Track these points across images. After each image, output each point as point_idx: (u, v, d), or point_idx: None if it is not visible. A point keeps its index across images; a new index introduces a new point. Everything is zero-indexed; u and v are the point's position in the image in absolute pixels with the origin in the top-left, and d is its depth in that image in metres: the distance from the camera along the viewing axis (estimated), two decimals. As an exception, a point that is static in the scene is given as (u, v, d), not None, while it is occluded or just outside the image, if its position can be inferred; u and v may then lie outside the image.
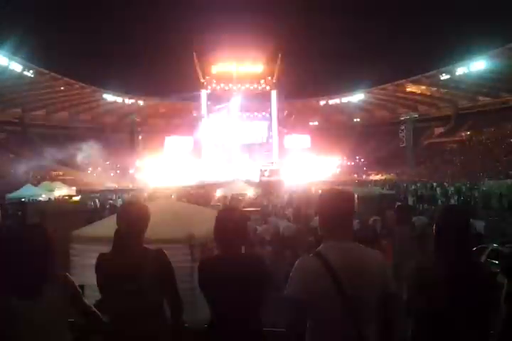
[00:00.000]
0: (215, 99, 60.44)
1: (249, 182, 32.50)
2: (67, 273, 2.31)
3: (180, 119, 69.23)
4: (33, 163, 48.50)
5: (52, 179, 39.58)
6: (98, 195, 31.91)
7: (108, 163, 57.18)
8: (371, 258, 2.08)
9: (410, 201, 23.84)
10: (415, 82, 58.56)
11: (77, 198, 27.30)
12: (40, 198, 26.50)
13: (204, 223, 5.31)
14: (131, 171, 53.35)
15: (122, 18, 71.05)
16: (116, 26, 71.57)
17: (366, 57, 68.60)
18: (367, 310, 2.01)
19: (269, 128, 61.06)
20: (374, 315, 2.04)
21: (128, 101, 65.22)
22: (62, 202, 21.53)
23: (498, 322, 2.21)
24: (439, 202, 23.91)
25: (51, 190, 30.33)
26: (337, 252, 2.04)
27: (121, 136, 64.50)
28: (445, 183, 34.41)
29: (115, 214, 2.74)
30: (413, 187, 33.00)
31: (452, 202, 23.61)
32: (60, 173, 48.34)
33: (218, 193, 25.97)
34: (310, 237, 8.80)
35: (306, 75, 61.93)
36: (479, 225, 11.19)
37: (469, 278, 2.12)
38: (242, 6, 67.27)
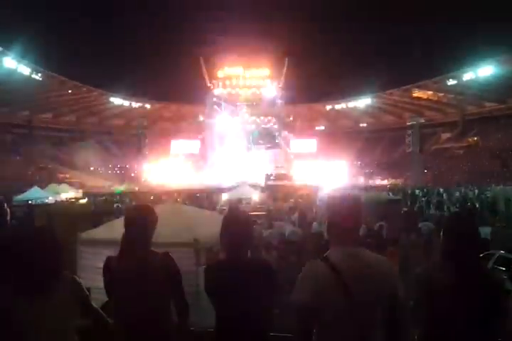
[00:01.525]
0: (221, 103, 60.56)
1: (255, 187, 32.49)
2: (74, 276, 2.33)
3: (187, 123, 69.49)
4: (40, 165, 48.81)
5: (59, 181, 39.72)
6: (104, 197, 31.98)
7: (113, 165, 57.45)
8: (378, 263, 2.08)
9: (417, 207, 23.70)
10: (422, 88, 58.47)
11: (83, 201, 27.41)
12: (47, 200, 26.61)
13: (209, 227, 5.33)
14: (137, 174, 53.50)
15: (130, 21, 71.54)
16: (124, 30, 72.03)
17: (373, 62, 68.56)
18: (373, 316, 2.00)
19: (276, 132, 61.06)
20: (380, 320, 2.04)
21: (135, 104, 65.52)
22: (69, 205, 21.59)
23: (507, 330, 2.20)
24: (446, 207, 23.76)
25: (58, 193, 30.47)
26: (344, 257, 2.04)
27: (128, 139, 64.78)
28: (452, 189, 34.26)
29: (122, 217, 2.76)
30: (420, 192, 32.84)
31: (459, 207, 23.47)
32: (67, 176, 48.54)
33: (224, 197, 25.98)
34: (315, 242, 8.79)
35: (312, 80, 61.94)
36: (486, 231, 11.13)
37: (477, 285, 2.11)
38: (249, 10, 67.61)
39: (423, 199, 27.81)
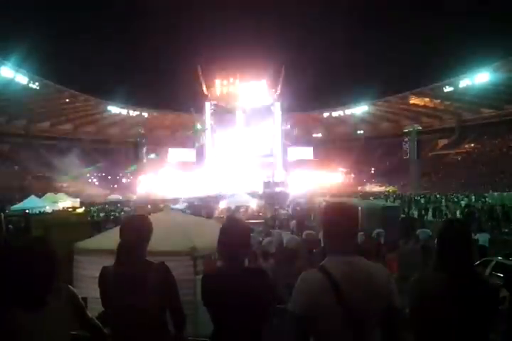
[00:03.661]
0: (218, 111, 60.69)
1: (252, 194, 32.48)
2: (70, 286, 2.31)
3: (184, 131, 69.61)
4: (37, 174, 48.70)
5: (57, 190, 39.63)
6: (101, 206, 31.92)
7: (111, 174, 57.37)
8: (375, 272, 2.07)
9: (414, 213, 23.75)
10: (418, 94, 58.75)
11: (80, 210, 27.31)
12: (44, 210, 26.51)
13: (207, 235, 5.31)
14: (134, 183, 53.42)
15: (128, 31, 71.80)
16: (122, 39, 72.29)
17: (370, 70, 68.90)
18: (370, 325, 1.99)
19: (273, 140, 61.16)
20: (377, 329, 2.02)
21: (132, 113, 65.62)
22: (66, 214, 21.51)
23: (500, 336, 2.19)
24: (443, 214, 23.80)
25: (55, 202, 30.39)
26: (341, 266, 2.03)
27: (126, 147, 64.83)
28: (449, 195, 34.31)
29: (118, 226, 2.75)
30: (417, 199, 32.89)
31: (456, 214, 23.51)
32: (64, 185, 48.42)
33: (222, 205, 25.95)
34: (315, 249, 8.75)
35: (309, 87, 62.23)
36: (484, 238, 11.13)
37: (470, 292, 2.10)
38: (247, 20, 68.05)
39: (421, 206, 27.84)
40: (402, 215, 17.52)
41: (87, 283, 4.56)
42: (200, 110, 61.30)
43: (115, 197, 46.17)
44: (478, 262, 7.78)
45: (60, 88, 53.52)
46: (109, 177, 59.16)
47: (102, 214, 24.89)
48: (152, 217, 2.83)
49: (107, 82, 62.07)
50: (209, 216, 19.09)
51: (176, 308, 2.60)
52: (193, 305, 4.00)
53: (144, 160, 53.86)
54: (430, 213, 24.36)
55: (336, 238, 2.13)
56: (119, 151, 68.18)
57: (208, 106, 60.53)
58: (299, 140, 67.80)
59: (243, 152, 57.95)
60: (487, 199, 28.05)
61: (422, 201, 31.24)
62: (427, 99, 59.77)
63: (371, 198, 30.93)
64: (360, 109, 66.33)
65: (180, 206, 25.52)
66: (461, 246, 2.22)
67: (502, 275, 7.12)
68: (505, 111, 53.98)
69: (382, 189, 52.64)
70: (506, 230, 17.33)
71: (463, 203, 28.24)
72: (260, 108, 60.33)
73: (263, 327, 2.44)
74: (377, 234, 9.85)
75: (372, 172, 62.18)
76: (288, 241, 9.93)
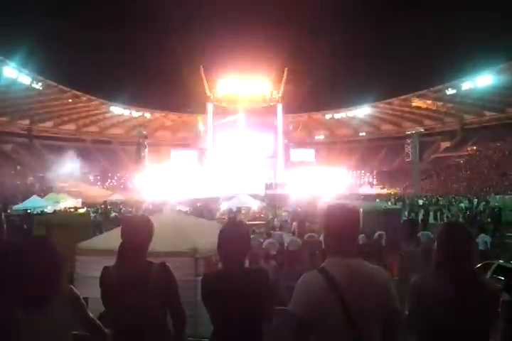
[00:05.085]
0: (220, 112, 60.67)
1: (254, 196, 32.45)
2: (71, 286, 2.32)
3: (186, 132, 69.69)
4: (39, 174, 48.77)
5: (58, 191, 39.64)
6: (103, 207, 31.92)
7: (113, 174, 57.41)
8: (375, 274, 2.07)
9: (416, 216, 23.69)
10: (421, 97, 58.66)
11: (82, 210, 27.33)
12: (46, 210, 26.53)
13: (208, 236, 5.32)
14: (136, 183, 53.42)
15: (131, 31, 71.90)
16: (124, 39, 72.37)
17: (372, 72, 68.87)
18: (370, 327, 1.99)
19: (275, 142, 61.14)
20: (377, 331, 2.02)
21: (135, 113, 65.68)
22: (67, 214, 21.54)
23: (500, 339, 2.19)
24: (445, 217, 23.76)
25: (57, 202, 30.39)
26: (341, 268, 2.03)
27: (128, 148, 64.88)
28: (451, 198, 34.25)
29: (119, 227, 2.75)
30: (419, 201, 32.82)
31: (458, 217, 23.48)
32: (66, 185, 48.43)
33: (223, 207, 25.96)
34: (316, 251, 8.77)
35: (312, 89, 62.19)
36: (486, 241, 11.11)
37: (471, 294, 2.10)
38: (250, 20, 68.11)
39: (422, 208, 27.77)
40: (404, 218, 17.50)
41: (88, 283, 4.57)
42: (202, 111, 61.32)
43: (117, 197, 46.17)
44: (479, 265, 7.76)
45: (62, 88, 53.54)
46: (111, 178, 59.20)
47: (103, 215, 24.90)
48: (153, 218, 2.84)
49: (110, 82, 62.06)
50: (210, 217, 19.13)
51: (177, 309, 2.61)
52: (193, 305, 4.01)
53: (146, 161, 53.92)
54: (431, 215, 24.30)
55: (336, 240, 2.14)
56: (122, 152, 68.28)
57: (210, 107, 60.55)
58: (301, 141, 67.80)
59: (245, 153, 57.93)
60: (489, 202, 27.97)
61: (425, 204, 31.16)
62: (429, 102, 59.66)
63: (377, 200, 30.92)
64: (363, 111, 66.24)
65: (182, 207, 25.54)
66: (462, 249, 2.22)
67: (503, 278, 7.12)
68: (507, 114, 53.89)
69: (384, 191, 52.58)
70: (510, 234, 17.25)
71: (464, 206, 28.20)
72: (262, 109, 60.31)
73: (263, 328, 2.44)
74: (378, 237, 9.87)
75: (374, 174, 62.15)
76: (289, 243, 9.96)
